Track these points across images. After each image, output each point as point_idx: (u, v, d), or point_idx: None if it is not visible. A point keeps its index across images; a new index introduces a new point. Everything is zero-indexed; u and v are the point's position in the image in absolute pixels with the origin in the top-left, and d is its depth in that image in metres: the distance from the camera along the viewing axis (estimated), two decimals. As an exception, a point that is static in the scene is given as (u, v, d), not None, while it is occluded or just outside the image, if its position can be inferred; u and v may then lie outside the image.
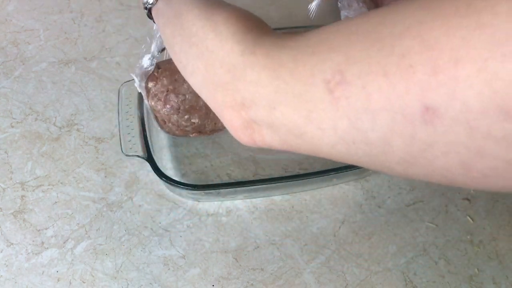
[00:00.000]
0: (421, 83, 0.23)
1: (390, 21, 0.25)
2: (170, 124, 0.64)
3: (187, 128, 0.64)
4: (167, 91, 0.62)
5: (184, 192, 0.62)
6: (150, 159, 0.61)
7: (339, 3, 0.64)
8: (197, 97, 0.61)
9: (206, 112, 0.62)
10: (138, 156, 0.62)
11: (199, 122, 0.63)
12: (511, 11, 0.20)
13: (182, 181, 0.64)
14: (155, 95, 0.62)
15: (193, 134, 0.65)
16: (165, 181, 0.60)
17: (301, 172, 0.67)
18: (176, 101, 0.61)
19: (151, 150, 0.62)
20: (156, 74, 0.63)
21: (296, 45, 0.30)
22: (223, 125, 0.64)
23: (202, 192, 0.62)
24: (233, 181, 0.66)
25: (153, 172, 0.67)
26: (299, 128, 0.30)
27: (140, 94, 0.66)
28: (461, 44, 0.22)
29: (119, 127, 0.64)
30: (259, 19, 0.37)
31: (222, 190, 0.62)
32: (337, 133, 0.27)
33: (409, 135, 0.24)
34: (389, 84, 0.24)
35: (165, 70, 0.63)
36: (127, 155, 0.62)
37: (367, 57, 0.25)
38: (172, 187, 0.62)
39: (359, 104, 0.25)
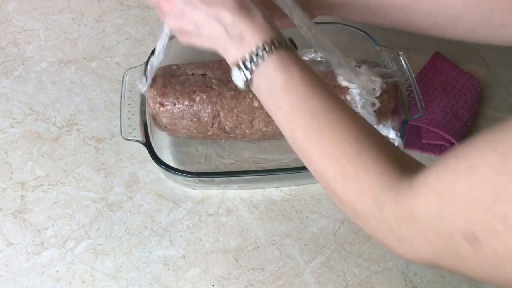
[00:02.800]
0: None
1: (478, 183, 0.31)
2: (169, 126, 0.64)
3: (183, 131, 0.65)
4: (161, 94, 0.62)
5: (180, 178, 0.62)
6: (148, 144, 0.61)
7: None
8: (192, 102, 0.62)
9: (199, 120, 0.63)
10: (137, 141, 0.62)
11: (197, 128, 0.64)
12: None
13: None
14: (153, 98, 0.62)
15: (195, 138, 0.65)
16: (162, 167, 0.60)
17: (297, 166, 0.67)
18: (172, 104, 0.62)
19: (150, 136, 0.62)
20: (155, 77, 0.63)
21: (424, 214, 0.36)
22: (220, 135, 0.64)
23: (196, 179, 0.62)
24: (227, 170, 0.66)
25: (153, 172, 0.67)
26: (459, 270, 0.36)
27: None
28: None
29: (120, 112, 0.64)
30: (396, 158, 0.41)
31: (216, 179, 0.62)
32: (485, 274, 0.34)
33: None
34: (503, 240, 0.31)
35: (160, 76, 0.63)
36: (126, 139, 0.62)
37: (479, 218, 0.32)
38: (168, 174, 0.62)
39: (491, 255, 0.32)
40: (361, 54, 0.72)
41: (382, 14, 0.57)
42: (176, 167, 0.61)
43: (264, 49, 0.44)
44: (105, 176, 0.67)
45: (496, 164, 0.30)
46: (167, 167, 0.60)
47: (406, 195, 0.37)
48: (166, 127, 0.64)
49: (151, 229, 0.62)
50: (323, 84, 0.45)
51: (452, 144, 0.68)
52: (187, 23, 0.48)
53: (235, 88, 0.61)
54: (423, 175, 0.37)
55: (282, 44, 0.45)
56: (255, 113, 0.62)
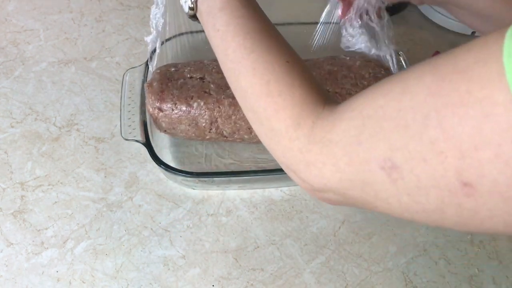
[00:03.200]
0: (454, 165, 0.27)
1: (408, 107, 0.29)
2: (169, 130, 0.64)
3: (181, 134, 0.65)
4: (159, 99, 0.62)
5: (180, 178, 0.62)
6: (148, 144, 0.61)
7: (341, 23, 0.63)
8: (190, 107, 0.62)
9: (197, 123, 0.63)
10: (137, 141, 0.62)
11: (195, 132, 0.63)
12: (507, 100, 0.24)
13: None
14: (152, 103, 0.62)
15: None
16: (162, 167, 0.60)
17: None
18: (170, 110, 0.62)
19: (150, 136, 0.62)
20: (152, 81, 0.63)
21: (341, 138, 0.34)
22: (218, 139, 0.64)
23: (196, 179, 0.62)
24: (227, 170, 0.66)
25: (153, 172, 0.67)
26: (370, 203, 0.34)
27: (143, 83, 0.66)
28: (475, 132, 0.26)
29: (120, 112, 0.64)
30: (313, 97, 0.39)
31: (216, 179, 0.62)
32: (402, 206, 0.32)
33: (457, 205, 0.29)
34: (430, 167, 0.28)
35: (158, 80, 0.63)
36: (126, 139, 0.62)
37: (405, 145, 0.29)
38: (168, 174, 0.62)
39: (412, 183, 0.30)
40: (362, 53, 0.72)
41: None
42: (176, 167, 0.61)
43: None
44: (105, 176, 0.67)
45: (433, 86, 0.28)
46: (167, 167, 0.60)
47: (326, 118, 0.36)
48: (165, 130, 0.64)
49: (151, 229, 0.62)
50: (261, 11, 0.45)
51: None
52: None
53: (233, 95, 0.61)
54: (350, 100, 0.35)
55: None
56: None
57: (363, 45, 0.62)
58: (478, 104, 0.25)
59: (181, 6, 0.48)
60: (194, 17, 0.48)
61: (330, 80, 0.63)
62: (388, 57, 0.67)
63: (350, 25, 0.62)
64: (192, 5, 0.46)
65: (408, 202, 0.31)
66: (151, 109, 0.62)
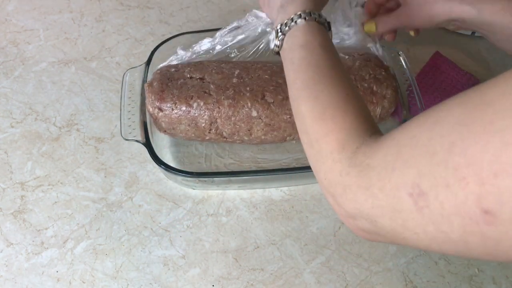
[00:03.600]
0: (475, 192, 0.28)
1: (438, 135, 0.31)
2: (168, 131, 0.64)
3: (181, 134, 0.64)
4: (159, 99, 0.62)
5: (180, 178, 0.62)
6: (148, 144, 0.61)
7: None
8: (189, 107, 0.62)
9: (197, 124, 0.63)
10: (137, 141, 0.61)
11: (195, 133, 0.63)
12: None
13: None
14: (152, 103, 0.62)
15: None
16: (161, 167, 0.60)
17: (297, 166, 0.67)
18: (170, 109, 0.62)
19: (150, 136, 0.62)
20: (152, 81, 0.63)
21: (379, 163, 0.36)
22: (218, 139, 0.64)
23: (196, 179, 0.62)
24: (227, 170, 0.66)
25: (153, 172, 0.67)
26: (399, 234, 0.35)
27: (143, 83, 0.66)
28: (494, 160, 0.27)
29: (120, 112, 0.64)
30: (359, 125, 0.42)
31: (216, 179, 0.62)
32: (428, 236, 0.33)
33: (480, 234, 0.29)
34: (452, 193, 0.29)
35: (158, 80, 0.63)
36: (126, 139, 0.62)
37: (431, 171, 0.31)
38: (168, 174, 0.62)
39: (437, 211, 0.31)
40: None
41: None
42: (176, 167, 0.61)
43: (300, 16, 0.50)
44: (105, 176, 0.67)
45: (461, 117, 0.30)
46: (167, 167, 0.60)
47: (369, 145, 0.38)
48: (165, 131, 0.64)
49: (151, 229, 0.62)
50: (335, 51, 0.49)
51: None
52: None
53: (232, 96, 0.61)
54: (392, 131, 0.37)
55: (316, 17, 0.51)
56: (254, 123, 0.62)
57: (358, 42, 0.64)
58: (499, 133, 0.27)
59: (268, 41, 0.56)
60: (277, 53, 0.53)
61: None
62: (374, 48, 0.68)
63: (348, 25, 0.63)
64: (278, 43, 0.52)
65: (434, 232, 0.32)
66: (151, 109, 0.62)
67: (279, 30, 0.52)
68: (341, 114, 0.42)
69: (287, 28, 0.51)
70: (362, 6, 0.66)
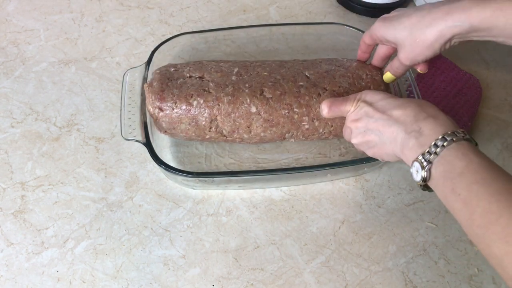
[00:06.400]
0: None
1: None
2: (169, 131, 0.64)
3: (182, 134, 0.65)
4: (159, 99, 0.62)
5: (180, 178, 0.62)
6: (148, 144, 0.61)
7: None
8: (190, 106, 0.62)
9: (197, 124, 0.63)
10: (137, 141, 0.62)
11: (196, 132, 0.64)
12: None
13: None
14: (152, 103, 0.62)
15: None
16: (162, 167, 0.60)
17: (297, 166, 0.67)
18: (170, 109, 0.62)
19: (150, 136, 0.62)
20: (152, 81, 0.63)
21: None
22: (218, 138, 0.64)
23: (196, 179, 0.62)
24: (227, 170, 0.66)
25: (153, 172, 0.67)
26: None
27: (143, 83, 0.66)
28: None
29: (120, 112, 0.64)
30: None
31: (216, 179, 0.62)
32: None
33: None
34: None
35: (158, 80, 0.63)
36: (126, 139, 0.62)
37: None
38: (168, 174, 0.62)
39: None
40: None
41: None
42: (176, 167, 0.61)
43: (445, 139, 0.46)
44: (105, 176, 0.67)
45: None
46: (167, 167, 0.60)
47: None
48: (166, 131, 0.64)
49: (151, 229, 0.62)
50: (503, 171, 0.45)
51: None
52: (372, 135, 0.53)
53: (232, 92, 0.61)
54: None
55: (461, 136, 0.46)
56: (253, 119, 0.62)
57: None
58: None
59: (411, 174, 0.49)
60: (425, 186, 0.48)
61: (327, 79, 0.63)
62: None
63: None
64: (425, 175, 0.46)
65: None
66: (151, 109, 0.62)
67: (423, 160, 0.46)
68: None
69: (432, 156, 0.46)
70: None
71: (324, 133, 0.64)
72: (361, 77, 0.64)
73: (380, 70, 0.66)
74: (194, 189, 0.65)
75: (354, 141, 0.57)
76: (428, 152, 0.46)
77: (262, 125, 0.62)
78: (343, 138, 0.67)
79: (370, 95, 0.56)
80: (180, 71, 0.64)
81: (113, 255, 0.60)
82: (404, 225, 0.63)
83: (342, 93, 0.63)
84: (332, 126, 0.64)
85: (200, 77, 0.63)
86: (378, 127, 0.52)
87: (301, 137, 0.65)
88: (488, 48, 0.83)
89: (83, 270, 0.59)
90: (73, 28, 0.85)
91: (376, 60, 0.65)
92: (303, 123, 0.63)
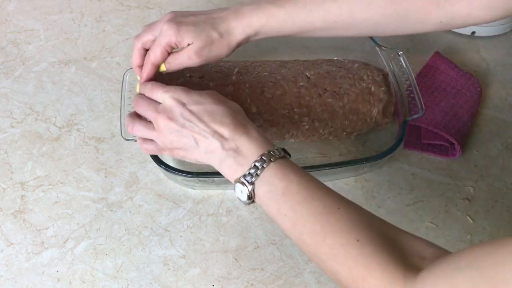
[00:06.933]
0: None
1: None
2: None
3: None
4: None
5: (180, 178, 0.62)
6: None
7: None
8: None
9: None
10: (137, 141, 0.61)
11: None
12: None
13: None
14: None
15: None
16: (161, 167, 0.60)
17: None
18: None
19: None
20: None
21: None
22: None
23: (196, 179, 0.62)
24: None
25: (153, 172, 0.67)
26: None
27: None
28: None
29: (120, 112, 0.64)
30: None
31: (216, 179, 0.62)
32: None
33: None
34: None
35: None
36: (126, 139, 0.62)
37: None
38: (168, 174, 0.62)
39: None
40: (361, 54, 0.72)
41: (308, 34, 0.58)
42: (176, 167, 0.61)
43: (263, 160, 0.47)
44: (105, 176, 0.67)
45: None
46: (167, 167, 0.60)
47: None
48: None
49: (151, 229, 0.62)
50: (322, 186, 0.47)
51: (452, 144, 0.68)
52: (186, 139, 0.51)
53: (232, 92, 0.61)
54: (423, 277, 0.38)
55: (277, 154, 0.48)
56: (253, 119, 0.62)
57: None
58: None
59: (235, 193, 0.50)
60: (252, 202, 0.50)
61: (328, 79, 0.63)
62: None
63: None
64: (249, 194, 0.48)
65: None
66: None
67: (244, 181, 0.48)
68: (367, 270, 0.41)
69: (254, 177, 0.47)
70: None
71: (324, 133, 0.64)
72: (362, 78, 0.64)
73: (382, 71, 0.66)
74: (194, 189, 0.65)
75: (164, 139, 0.53)
76: (249, 173, 0.47)
77: (262, 125, 0.62)
78: (343, 139, 0.68)
79: (180, 94, 0.53)
80: (181, 71, 0.64)
81: (113, 255, 0.60)
82: (404, 225, 0.63)
83: (342, 94, 0.63)
84: (332, 127, 0.64)
85: (200, 77, 0.63)
86: (194, 134, 0.50)
87: (301, 138, 0.65)
88: (488, 48, 0.83)
89: (83, 270, 0.59)
90: (73, 28, 0.85)
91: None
92: (303, 124, 0.63)
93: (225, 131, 0.50)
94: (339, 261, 0.42)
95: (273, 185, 0.47)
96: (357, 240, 0.42)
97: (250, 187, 0.47)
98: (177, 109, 0.51)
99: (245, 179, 0.48)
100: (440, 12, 0.53)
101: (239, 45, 0.57)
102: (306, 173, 0.48)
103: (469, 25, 0.56)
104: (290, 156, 0.50)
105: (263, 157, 0.47)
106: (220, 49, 0.56)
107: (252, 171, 0.47)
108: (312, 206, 0.45)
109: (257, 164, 0.47)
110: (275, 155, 0.48)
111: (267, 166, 0.47)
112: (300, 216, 0.45)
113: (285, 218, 0.46)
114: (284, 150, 0.50)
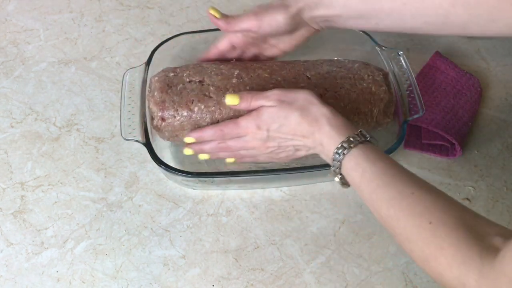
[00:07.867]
0: None
1: None
2: (172, 138, 0.64)
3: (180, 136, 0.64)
4: (161, 109, 0.61)
5: (180, 178, 0.62)
6: (148, 144, 0.61)
7: None
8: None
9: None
10: (137, 141, 0.61)
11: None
12: None
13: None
14: (155, 114, 0.62)
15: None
16: (162, 167, 0.60)
17: (297, 166, 0.67)
18: (172, 117, 0.61)
19: (150, 136, 0.62)
20: (153, 92, 0.63)
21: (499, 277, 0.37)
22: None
23: (196, 179, 0.62)
24: (227, 170, 0.66)
25: (153, 172, 0.67)
26: None
27: (143, 83, 0.66)
28: None
29: (120, 112, 0.64)
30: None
31: (216, 179, 0.62)
32: None
33: None
34: None
35: (158, 89, 0.63)
36: (126, 139, 0.62)
37: None
38: (168, 174, 0.62)
39: None
40: (361, 54, 0.72)
41: (374, 20, 0.60)
42: (176, 167, 0.61)
43: (338, 154, 0.52)
44: (105, 176, 0.67)
45: None
46: (167, 167, 0.60)
47: (487, 275, 0.39)
48: (168, 138, 0.64)
49: (151, 229, 0.62)
50: (396, 172, 0.50)
51: (452, 144, 0.68)
52: (271, 144, 0.58)
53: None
54: (504, 255, 0.38)
55: (357, 140, 0.52)
56: None
57: None
58: None
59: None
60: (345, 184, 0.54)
61: (329, 80, 0.63)
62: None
63: None
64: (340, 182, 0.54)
65: None
66: (155, 122, 0.62)
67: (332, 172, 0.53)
68: (439, 251, 0.42)
69: (341, 156, 0.52)
70: None
71: None
72: (363, 78, 0.64)
73: (382, 71, 0.66)
74: (194, 189, 0.65)
75: (273, 143, 0.58)
76: (336, 155, 0.52)
77: None
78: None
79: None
80: (180, 76, 0.64)
81: (113, 255, 0.60)
82: (404, 225, 0.63)
83: (343, 94, 0.62)
84: None
85: (200, 81, 0.63)
86: (275, 143, 0.58)
87: None
88: (488, 48, 0.83)
89: (82, 270, 0.59)
90: (73, 28, 0.85)
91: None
92: None
93: (299, 143, 0.57)
94: (413, 243, 0.45)
95: (350, 176, 0.51)
96: (430, 223, 0.43)
97: (337, 178, 0.53)
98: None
99: (338, 154, 0.52)
100: None
101: (299, 11, 0.61)
102: (381, 157, 0.51)
103: None
104: (369, 138, 0.53)
105: (343, 144, 0.52)
106: (276, 11, 0.61)
107: (336, 163, 0.52)
108: (385, 192, 0.48)
109: (335, 156, 0.52)
110: (347, 146, 0.51)
111: (343, 158, 0.51)
112: (375, 201, 0.48)
113: (365, 203, 0.51)
114: (361, 133, 0.53)
